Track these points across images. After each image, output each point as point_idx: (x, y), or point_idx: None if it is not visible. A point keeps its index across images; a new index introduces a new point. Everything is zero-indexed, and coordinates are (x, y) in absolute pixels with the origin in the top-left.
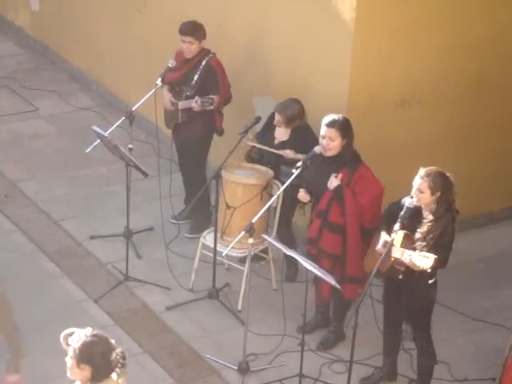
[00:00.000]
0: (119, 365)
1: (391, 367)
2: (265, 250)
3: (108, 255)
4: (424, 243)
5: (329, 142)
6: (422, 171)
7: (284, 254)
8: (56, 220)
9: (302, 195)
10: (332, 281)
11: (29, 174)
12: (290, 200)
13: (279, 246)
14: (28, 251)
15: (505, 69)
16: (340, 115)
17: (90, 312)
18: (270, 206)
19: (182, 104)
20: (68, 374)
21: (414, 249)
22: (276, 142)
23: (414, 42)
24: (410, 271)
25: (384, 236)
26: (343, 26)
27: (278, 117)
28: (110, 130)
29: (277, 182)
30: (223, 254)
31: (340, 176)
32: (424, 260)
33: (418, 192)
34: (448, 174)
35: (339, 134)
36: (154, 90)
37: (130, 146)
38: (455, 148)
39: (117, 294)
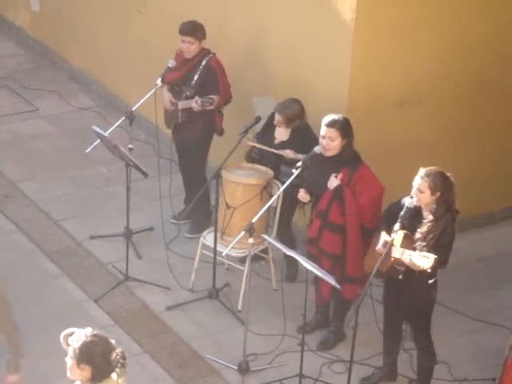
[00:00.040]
0: (119, 365)
1: (391, 367)
2: (265, 250)
3: (108, 255)
4: (424, 243)
5: (329, 142)
6: (422, 171)
7: (284, 254)
8: (56, 220)
9: (302, 195)
10: (332, 281)
11: (29, 174)
12: (290, 200)
13: (279, 245)
14: (28, 251)
15: (505, 69)
16: (340, 115)
17: (90, 312)
18: (269, 206)
19: (181, 104)
20: (68, 374)
21: (414, 249)
22: (276, 141)
23: (414, 42)
24: (410, 271)
25: (384, 236)
26: (343, 26)
27: (278, 117)
28: (110, 130)
29: (277, 181)
30: (223, 254)
31: (340, 176)
32: (424, 260)
33: (418, 192)
34: (448, 174)
35: (339, 134)
36: (153, 90)
37: (129, 146)
38: (455, 148)
39: (117, 294)
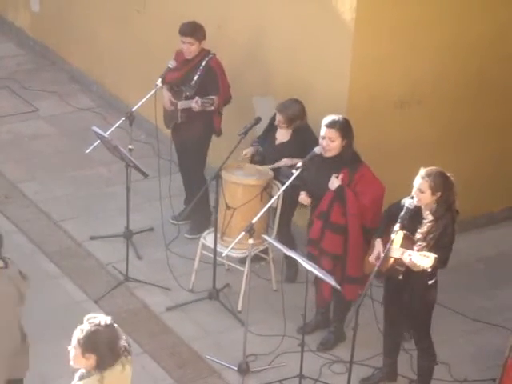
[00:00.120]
0: (126, 353)
1: (391, 368)
2: (265, 251)
3: (108, 256)
4: (424, 243)
5: (329, 142)
6: (422, 171)
7: (284, 254)
8: (56, 221)
9: (303, 198)
10: (332, 281)
11: (29, 175)
12: (289, 201)
13: (279, 246)
14: (28, 252)
15: (505, 69)
16: (340, 116)
17: (90, 313)
18: (270, 207)
19: (181, 104)
20: (71, 363)
21: (414, 249)
22: (277, 142)
23: (414, 42)
24: (410, 272)
25: (378, 246)
26: (343, 26)
27: (279, 117)
28: (110, 131)
29: (277, 182)
30: (223, 255)
31: (341, 176)
32: (424, 259)
33: (419, 192)
34: (448, 174)
35: (339, 134)
36: (153, 91)
37: (129, 146)
38: (455, 148)
39: (117, 294)
